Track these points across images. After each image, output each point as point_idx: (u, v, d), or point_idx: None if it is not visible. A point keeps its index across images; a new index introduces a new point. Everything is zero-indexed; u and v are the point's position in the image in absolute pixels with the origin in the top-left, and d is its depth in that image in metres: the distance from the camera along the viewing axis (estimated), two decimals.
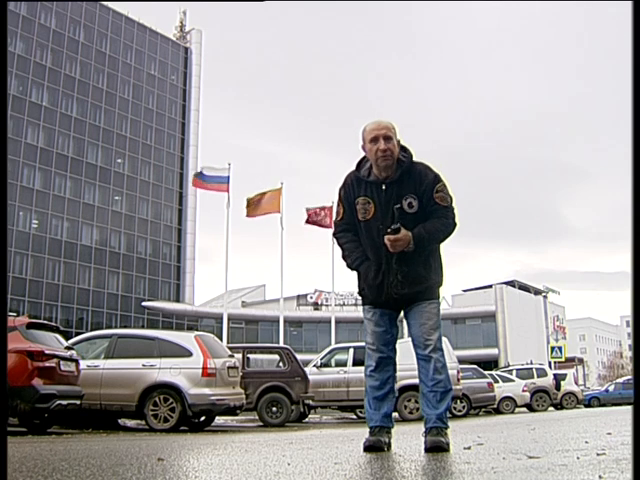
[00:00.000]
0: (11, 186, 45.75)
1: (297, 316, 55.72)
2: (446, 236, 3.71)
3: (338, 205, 3.84)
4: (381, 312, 3.73)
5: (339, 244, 3.86)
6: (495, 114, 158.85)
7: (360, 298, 3.86)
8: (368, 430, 3.70)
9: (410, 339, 3.77)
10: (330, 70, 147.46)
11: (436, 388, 3.60)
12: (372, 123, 3.66)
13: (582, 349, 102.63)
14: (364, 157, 3.77)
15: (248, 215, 28.17)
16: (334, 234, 3.89)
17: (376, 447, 3.53)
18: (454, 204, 3.73)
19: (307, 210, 30.08)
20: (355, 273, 3.83)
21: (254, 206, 28.07)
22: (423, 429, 3.60)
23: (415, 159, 3.71)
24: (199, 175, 28.91)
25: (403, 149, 3.70)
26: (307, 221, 30.05)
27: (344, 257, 3.83)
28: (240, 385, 10.89)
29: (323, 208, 29.92)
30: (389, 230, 3.53)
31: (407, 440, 3.53)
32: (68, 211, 51.66)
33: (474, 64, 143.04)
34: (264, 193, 28.45)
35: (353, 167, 3.82)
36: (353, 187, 3.72)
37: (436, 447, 3.41)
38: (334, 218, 3.93)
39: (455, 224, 3.70)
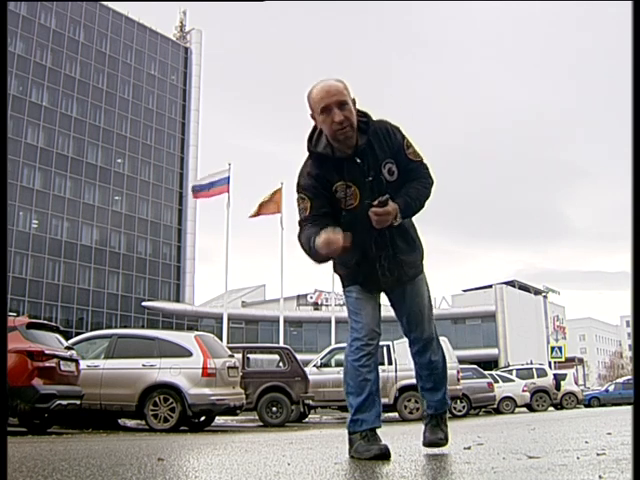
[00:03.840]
0: (11, 186, 45.74)
1: (297, 316, 55.72)
2: (428, 197, 3.24)
3: (301, 201, 3.12)
4: (374, 294, 3.32)
5: (300, 242, 3.11)
6: (495, 114, 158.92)
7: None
8: (356, 435, 3.16)
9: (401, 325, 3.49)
10: (330, 70, 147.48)
11: (437, 370, 3.47)
12: (319, 89, 3.00)
13: (582, 349, 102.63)
14: (314, 128, 3.14)
15: (251, 216, 28.27)
16: (298, 235, 3.14)
17: (388, 454, 3.03)
18: (425, 160, 3.28)
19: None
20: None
21: (257, 209, 28.20)
22: (425, 414, 3.55)
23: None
24: (197, 187, 28.99)
25: (359, 112, 3.10)
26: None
27: (306, 246, 3.06)
28: (240, 385, 10.89)
29: None
30: (376, 203, 2.97)
31: (407, 440, 3.52)
32: (68, 211, 51.66)
33: (474, 64, 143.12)
34: (268, 199, 28.50)
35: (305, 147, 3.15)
36: (323, 175, 3.09)
37: (433, 443, 3.40)
38: (298, 218, 3.17)
39: (433, 181, 3.25)
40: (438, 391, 3.50)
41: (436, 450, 3.42)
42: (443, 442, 3.42)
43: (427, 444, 3.42)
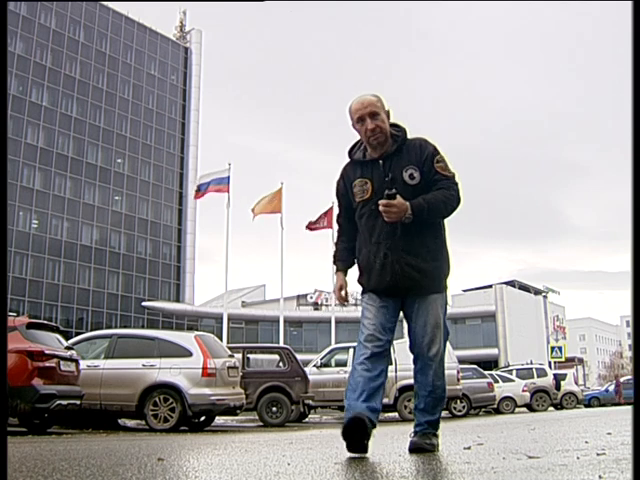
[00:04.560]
0: (11, 186, 45.75)
1: (297, 316, 55.70)
2: (449, 210, 3.42)
3: (336, 200, 3.74)
4: (384, 299, 3.46)
5: (334, 243, 3.80)
6: (496, 113, 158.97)
7: (360, 296, 3.60)
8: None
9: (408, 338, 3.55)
10: (331, 69, 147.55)
11: (434, 394, 3.46)
12: (356, 102, 3.47)
13: (582, 349, 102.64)
14: (357, 140, 3.63)
15: (255, 215, 28.35)
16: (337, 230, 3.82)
17: (356, 423, 3.14)
18: (457, 178, 3.49)
19: (309, 222, 30.24)
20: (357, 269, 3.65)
21: (257, 207, 28.27)
22: (412, 430, 3.52)
23: (410, 135, 3.56)
24: (199, 188, 29.04)
25: (395, 125, 3.53)
26: (308, 227, 30.25)
27: (334, 256, 3.76)
28: (240, 385, 10.89)
29: (322, 214, 30.02)
30: (383, 196, 3.30)
31: (407, 440, 3.51)
32: (68, 211, 51.67)
33: (475, 63, 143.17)
34: (266, 197, 28.57)
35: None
36: (348, 175, 3.57)
37: (418, 448, 3.34)
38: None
39: (459, 198, 3.44)
40: (431, 414, 3.48)
41: (436, 451, 3.42)
42: (428, 447, 3.36)
43: (412, 449, 3.36)
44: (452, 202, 3.41)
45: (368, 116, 3.41)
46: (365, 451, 3.18)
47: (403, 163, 3.42)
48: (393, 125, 3.52)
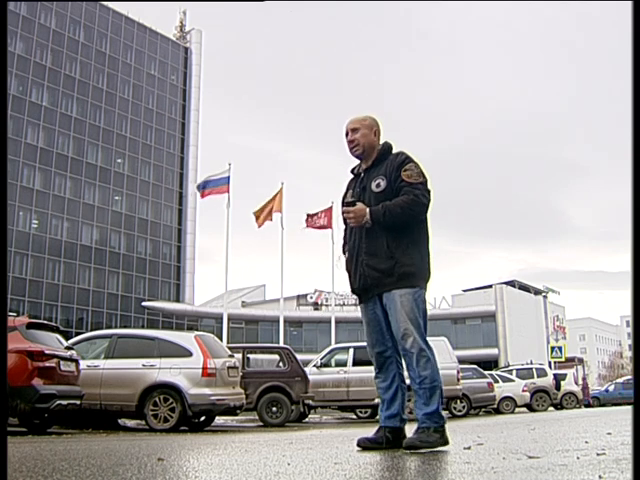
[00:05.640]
0: (11, 186, 45.74)
1: (297, 316, 55.70)
2: (409, 214, 3.63)
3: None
4: (369, 307, 3.81)
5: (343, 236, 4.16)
6: (496, 113, 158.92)
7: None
8: None
9: None
10: (331, 69, 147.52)
11: (424, 385, 3.55)
12: (348, 120, 3.94)
13: (582, 349, 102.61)
14: None
15: (259, 226, 28.28)
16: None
17: (359, 443, 3.70)
18: (429, 185, 3.72)
19: (307, 215, 30.25)
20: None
21: (261, 215, 28.22)
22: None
23: (395, 150, 3.91)
24: (201, 186, 29.00)
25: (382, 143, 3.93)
26: (307, 226, 30.31)
27: (342, 246, 4.13)
28: (240, 385, 10.89)
29: (323, 212, 30.05)
30: (345, 204, 3.78)
31: None
32: (68, 211, 51.66)
33: (474, 63, 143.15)
34: (268, 203, 28.57)
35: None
36: (349, 186, 4.04)
37: (410, 446, 3.45)
38: None
39: (422, 201, 3.63)
40: (427, 406, 3.55)
41: (436, 450, 3.43)
42: (421, 444, 3.43)
43: (404, 446, 3.47)
44: (412, 206, 3.62)
45: (350, 130, 3.88)
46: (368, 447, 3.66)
47: (376, 174, 3.80)
48: (382, 143, 3.92)
